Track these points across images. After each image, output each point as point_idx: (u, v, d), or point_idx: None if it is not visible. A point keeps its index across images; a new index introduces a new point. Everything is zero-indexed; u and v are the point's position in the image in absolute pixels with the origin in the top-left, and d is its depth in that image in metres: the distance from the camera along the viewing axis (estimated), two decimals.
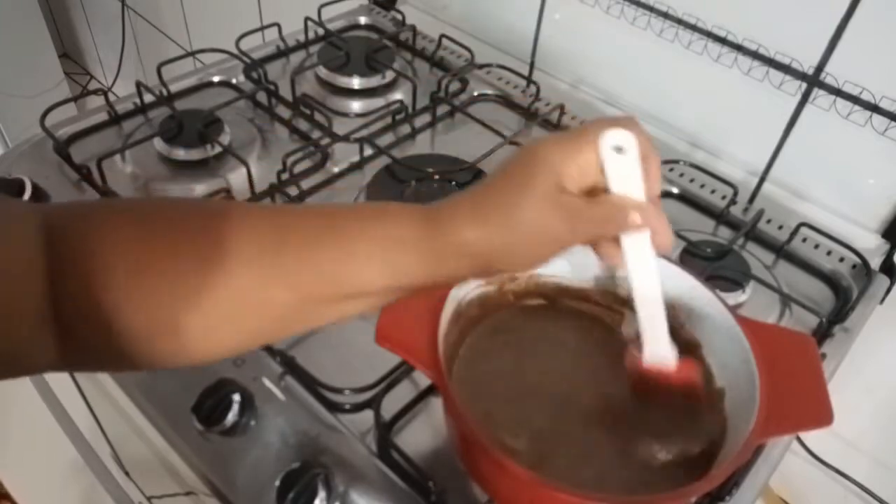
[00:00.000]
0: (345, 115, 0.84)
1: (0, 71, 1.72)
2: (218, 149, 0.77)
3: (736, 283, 0.65)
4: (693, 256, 0.67)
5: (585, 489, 0.41)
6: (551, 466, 0.45)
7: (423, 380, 0.58)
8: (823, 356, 0.62)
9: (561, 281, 0.55)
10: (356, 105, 0.87)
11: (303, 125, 0.84)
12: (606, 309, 0.55)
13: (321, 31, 0.97)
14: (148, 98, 0.83)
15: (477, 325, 0.53)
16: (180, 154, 0.76)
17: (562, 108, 0.85)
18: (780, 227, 0.74)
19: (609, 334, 0.54)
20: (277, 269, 0.36)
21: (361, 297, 0.38)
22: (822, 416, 0.44)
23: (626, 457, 0.47)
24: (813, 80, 0.70)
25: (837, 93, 0.69)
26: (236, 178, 0.75)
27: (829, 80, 0.69)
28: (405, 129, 0.84)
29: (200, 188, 0.74)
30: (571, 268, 0.54)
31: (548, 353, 0.53)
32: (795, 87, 0.72)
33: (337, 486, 0.51)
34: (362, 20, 1.03)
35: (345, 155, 0.79)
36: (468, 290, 0.51)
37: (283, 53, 0.95)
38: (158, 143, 0.77)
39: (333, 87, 0.88)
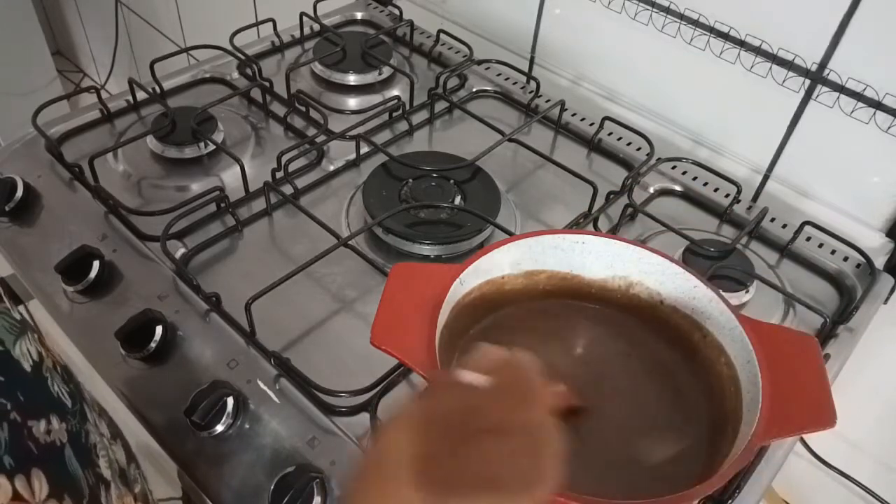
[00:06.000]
0: (341, 111, 0.83)
1: None
2: (211, 146, 0.76)
3: (739, 283, 0.64)
4: (696, 255, 0.67)
5: (585, 493, 0.40)
6: None
7: (420, 382, 0.57)
8: (827, 357, 0.61)
9: (563, 279, 0.54)
10: (352, 102, 0.86)
11: (298, 122, 0.83)
12: (610, 307, 0.54)
13: (317, 27, 0.96)
14: (141, 95, 0.82)
15: (476, 325, 0.53)
16: (173, 152, 0.75)
17: (562, 104, 0.84)
18: (784, 226, 0.73)
19: (613, 332, 0.53)
20: None
21: None
22: (825, 417, 0.43)
23: (628, 460, 0.46)
24: (816, 77, 0.69)
25: (841, 89, 0.68)
26: (230, 177, 0.74)
27: (832, 77, 0.68)
28: (402, 126, 0.83)
29: (194, 187, 0.73)
30: (573, 267, 0.53)
31: (549, 353, 0.52)
32: (799, 84, 0.71)
33: (333, 490, 0.51)
34: (358, 15, 1.02)
35: (341, 152, 0.78)
36: (467, 290, 0.50)
37: (277, 49, 0.94)
38: (151, 141, 0.76)
39: (329, 83, 0.87)
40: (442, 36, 0.94)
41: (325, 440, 0.53)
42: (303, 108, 0.83)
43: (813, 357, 0.47)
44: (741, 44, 0.72)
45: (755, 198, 0.80)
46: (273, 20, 0.93)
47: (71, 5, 2.04)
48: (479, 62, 0.91)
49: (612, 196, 0.74)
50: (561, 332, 0.54)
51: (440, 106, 0.86)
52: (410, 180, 0.72)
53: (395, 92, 0.87)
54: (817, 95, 0.70)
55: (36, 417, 0.36)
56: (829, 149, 0.73)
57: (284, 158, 0.73)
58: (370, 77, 0.87)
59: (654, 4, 0.77)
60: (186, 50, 0.88)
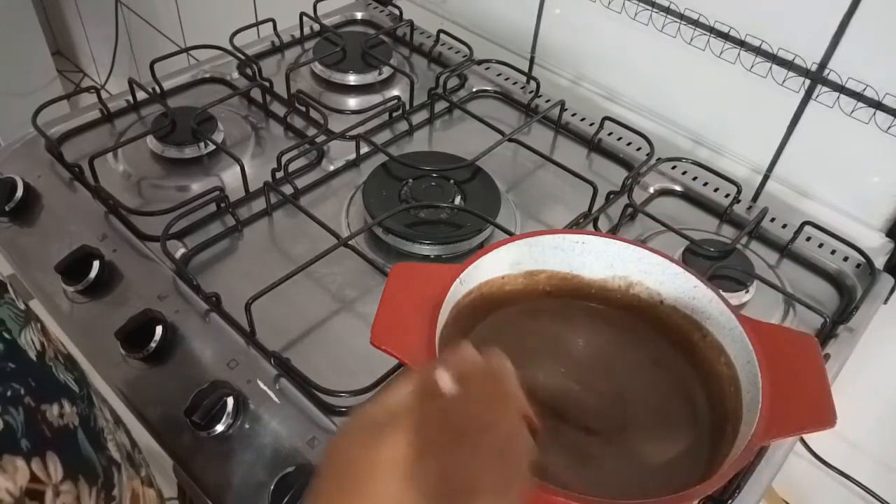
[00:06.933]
0: (341, 111, 0.83)
1: None
2: (211, 146, 0.76)
3: (739, 283, 0.64)
4: (696, 255, 0.67)
5: (585, 493, 0.40)
6: (550, 469, 0.44)
7: None
8: (827, 357, 0.61)
9: (563, 279, 0.54)
10: (352, 102, 0.86)
11: (298, 122, 0.83)
12: (610, 307, 0.54)
13: (317, 27, 0.96)
14: (141, 95, 0.82)
15: (477, 325, 0.53)
16: (173, 152, 0.75)
17: (562, 104, 0.84)
18: (784, 226, 0.73)
19: (613, 332, 0.53)
20: None
21: None
22: (825, 417, 0.43)
23: (627, 460, 0.46)
24: (816, 77, 0.69)
25: (841, 89, 0.68)
26: (230, 177, 0.74)
27: (832, 77, 0.68)
28: (402, 126, 0.83)
29: (194, 187, 0.73)
30: (573, 267, 0.53)
31: (549, 353, 0.52)
32: (799, 84, 0.71)
33: None
34: (358, 15, 1.02)
35: (341, 152, 0.78)
36: (467, 290, 0.50)
37: (277, 49, 0.94)
38: (151, 141, 0.76)
39: (329, 83, 0.87)
40: (442, 36, 0.94)
41: (325, 440, 0.53)
42: (303, 108, 0.83)
43: (813, 357, 0.47)
44: (741, 44, 0.72)
45: (755, 198, 0.80)
46: (273, 20, 0.93)
47: (71, 5, 2.04)
48: (479, 62, 0.91)
49: (612, 196, 0.74)
50: (561, 333, 0.54)
51: (440, 106, 0.86)
52: (410, 180, 0.72)
53: (395, 92, 0.87)
54: (817, 95, 0.70)
55: (48, 402, 0.36)
56: (829, 149, 0.72)
57: (284, 158, 0.73)
58: (370, 77, 0.87)
59: (654, 4, 0.77)
60: (186, 50, 0.88)
